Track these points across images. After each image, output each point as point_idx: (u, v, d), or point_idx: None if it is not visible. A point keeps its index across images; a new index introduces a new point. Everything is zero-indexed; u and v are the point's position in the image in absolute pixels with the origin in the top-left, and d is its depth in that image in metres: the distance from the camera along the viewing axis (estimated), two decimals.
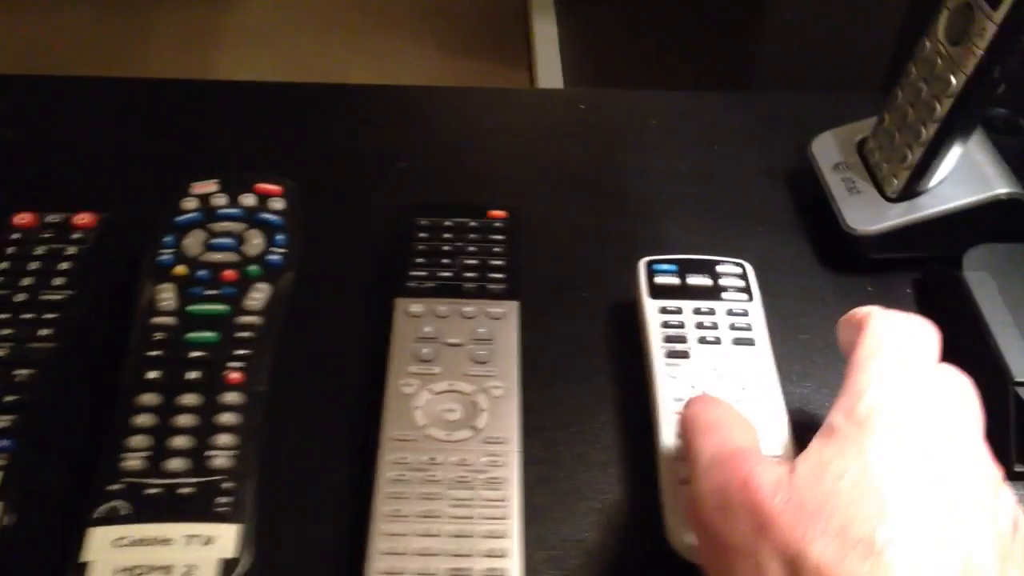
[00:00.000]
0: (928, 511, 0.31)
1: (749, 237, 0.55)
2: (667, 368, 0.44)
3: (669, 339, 0.45)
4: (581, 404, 0.46)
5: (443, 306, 0.47)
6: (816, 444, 0.34)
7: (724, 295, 0.47)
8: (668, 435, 0.42)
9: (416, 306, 0.47)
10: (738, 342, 0.45)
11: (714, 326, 0.46)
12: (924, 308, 0.51)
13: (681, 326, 0.46)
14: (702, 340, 0.45)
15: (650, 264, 0.49)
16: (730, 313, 0.47)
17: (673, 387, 0.43)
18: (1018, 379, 0.43)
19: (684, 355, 0.45)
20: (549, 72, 1.84)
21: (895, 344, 0.36)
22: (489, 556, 0.38)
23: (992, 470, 0.34)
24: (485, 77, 1.95)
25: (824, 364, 0.49)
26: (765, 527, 0.32)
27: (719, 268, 0.49)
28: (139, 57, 2.00)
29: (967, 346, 0.48)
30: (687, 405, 0.39)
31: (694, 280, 0.48)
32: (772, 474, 0.33)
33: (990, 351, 0.45)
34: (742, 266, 0.49)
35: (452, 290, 0.48)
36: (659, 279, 0.48)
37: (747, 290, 0.48)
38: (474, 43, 2.05)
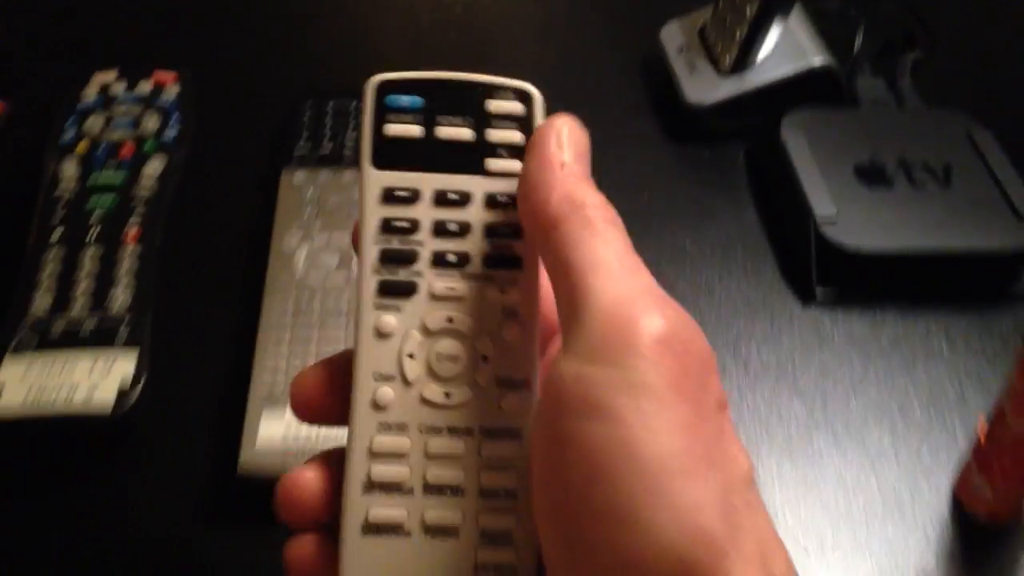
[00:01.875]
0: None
1: (599, 118, 0.61)
2: (375, 314, 0.27)
3: (389, 257, 0.27)
4: None
5: (323, 175, 0.53)
6: None
7: (490, 163, 0.28)
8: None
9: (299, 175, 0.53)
10: (493, 262, 0.28)
11: (462, 230, 0.27)
12: (751, 169, 0.58)
13: (412, 229, 0.27)
14: (438, 260, 0.27)
15: (382, 92, 0.28)
16: (492, 204, 0.27)
17: (379, 355, 0.27)
18: (817, 215, 0.50)
19: (407, 289, 0.27)
20: None
21: None
22: None
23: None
24: None
25: (661, 230, 0.54)
26: None
27: (490, 105, 0.28)
28: None
29: (783, 194, 0.55)
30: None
31: (447, 131, 0.28)
32: None
33: (798, 195, 0.52)
34: (527, 96, 0.28)
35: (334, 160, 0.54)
36: (393, 127, 0.27)
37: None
38: None
